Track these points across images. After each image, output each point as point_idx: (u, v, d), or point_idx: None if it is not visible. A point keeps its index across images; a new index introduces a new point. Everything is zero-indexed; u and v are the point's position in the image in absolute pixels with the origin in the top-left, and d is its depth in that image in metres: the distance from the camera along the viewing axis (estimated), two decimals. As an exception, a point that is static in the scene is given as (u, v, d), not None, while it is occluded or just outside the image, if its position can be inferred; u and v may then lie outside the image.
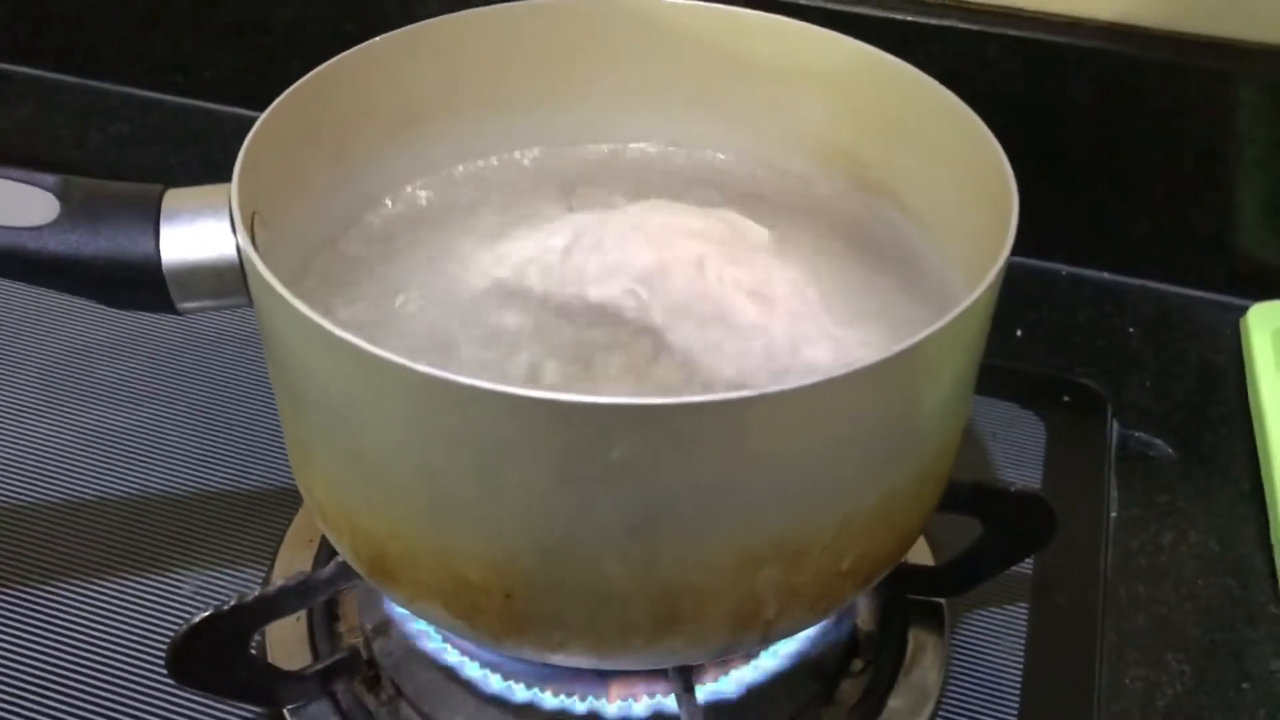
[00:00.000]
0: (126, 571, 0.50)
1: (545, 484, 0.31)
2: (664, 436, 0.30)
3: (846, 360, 0.37)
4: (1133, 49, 0.61)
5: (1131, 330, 0.64)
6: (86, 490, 0.53)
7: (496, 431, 0.30)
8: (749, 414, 0.30)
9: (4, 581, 0.49)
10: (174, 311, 0.37)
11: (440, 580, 0.34)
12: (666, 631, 0.34)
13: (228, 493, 0.53)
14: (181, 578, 0.50)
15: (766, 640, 0.36)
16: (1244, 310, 0.63)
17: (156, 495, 0.53)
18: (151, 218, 0.36)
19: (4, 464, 0.54)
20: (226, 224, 0.36)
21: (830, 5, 0.62)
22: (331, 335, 0.30)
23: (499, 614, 0.34)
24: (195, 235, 0.36)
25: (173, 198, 0.37)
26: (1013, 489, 0.44)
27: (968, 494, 0.43)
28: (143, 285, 0.35)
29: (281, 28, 0.74)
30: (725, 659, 0.42)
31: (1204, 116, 0.61)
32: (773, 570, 0.33)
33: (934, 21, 0.62)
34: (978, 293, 0.33)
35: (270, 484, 0.53)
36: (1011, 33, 0.62)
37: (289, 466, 0.53)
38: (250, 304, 0.37)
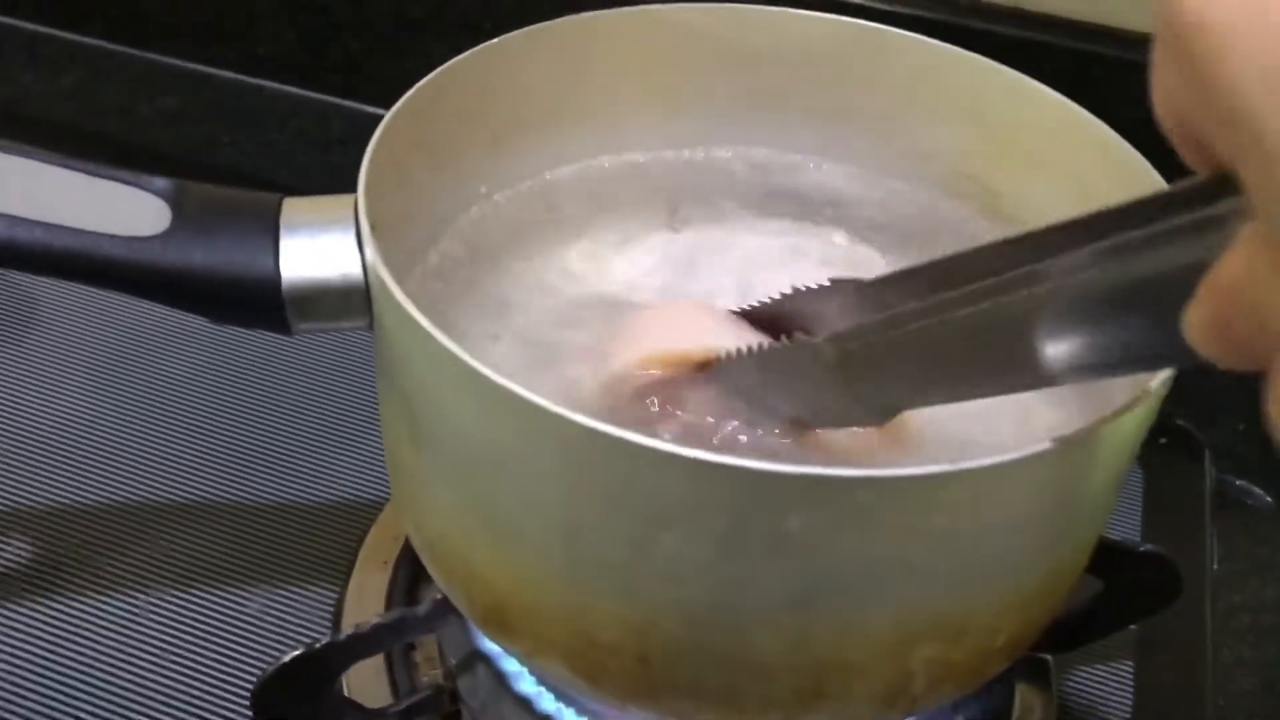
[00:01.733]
0: (191, 585, 0.47)
1: (705, 551, 0.28)
2: (845, 509, 0.27)
3: (1031, 422, 0.34)
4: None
5: (1222, 370, 0.62)
6: (153, 500, 0.50)
7: (658, 493, 0.28)
8: (936, 491, 0.27)
9: (73, 589, 0.47)
10: (287, 332, 0.34)
11: (566, 638, 0.32)
12: (809, 706, 0.32)
13: (298, 506, 0.50)
14: (248, 594, 0.47)
15: (910, 714, 0.34)
16: (1340, 351, 0.61)
17: (223, 506, 0.50)
18: (270, 230, 0.33)
19: (77, 468, 0.51)
20: (350, 238, 0.33)
21: (919, 13, 0.60)
22: (481, 377, 0.28)
23: (630, 676, 0.32)
24: (317, 250, 0.33)
25: (292, 207, 0.34)
26: (1141, 549, 0.42)
27: (1094, 552, 0.41)
28: (259, 304, 0.33)
29: (340, 6, 0.71)
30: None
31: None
32: (929, 648, 0.31)
33: (1029, 35, 0.60)
34: (1169, 371, 0.30)
35: (343, 498, 0.51)
36: (1112, 52, 0.59)
37: (361, 481, 0.52)
38: (369, 328, 0.34)
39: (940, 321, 0.26)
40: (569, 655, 0.32)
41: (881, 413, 0.30)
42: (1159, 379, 0.30)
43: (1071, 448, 0.28)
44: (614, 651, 0.31)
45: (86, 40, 0.77)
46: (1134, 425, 0.30)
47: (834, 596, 0.29)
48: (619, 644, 0.31)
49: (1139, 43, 0.57)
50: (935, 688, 0.33)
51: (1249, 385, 0.63)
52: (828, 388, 0.29)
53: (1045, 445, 0.27)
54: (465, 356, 0.28)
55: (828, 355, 0.29)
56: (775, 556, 0.28)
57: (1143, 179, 0.37)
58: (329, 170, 0.69)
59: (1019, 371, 0.25)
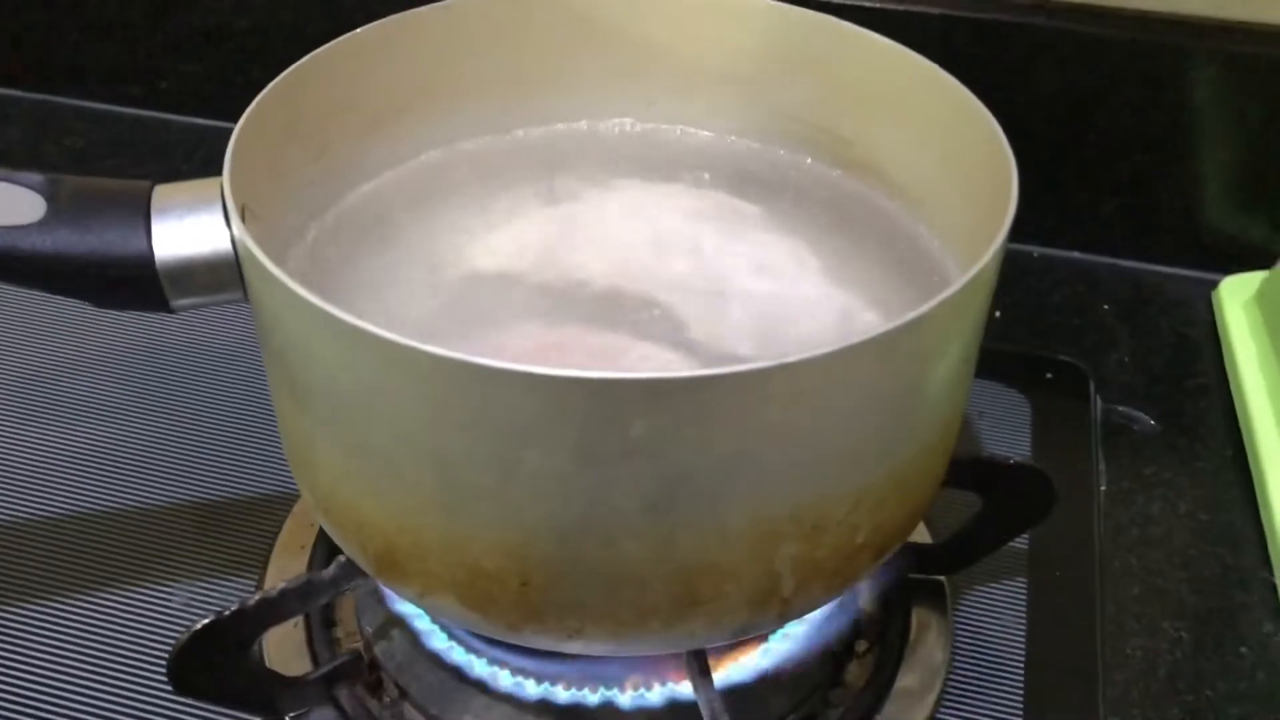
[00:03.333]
0: (114, 585, 0.49)
1: (563, 465, 0.30)
2: (683, 411, 0.29)
3: (853, 324, 0.37)
4: (1096, 29, 0.62)
5: (1106, 308, 0.65)
6: (69, 504, 0.52)
7: (515, 412, 0.30)
8: (766, 385, 0.30)
9: (-14, 601, 0.48)
10: (167, 309, 0.36)
11: (453, 571, 0.34)
12: (685, 613, 0.34)
13: (214, 502, 0.52)
14: (171, 589, 0.48)
15: (783, 618, 0.36)
16: (1215, 284, 0.64)
17: (140, 507, 0.52)
18: (142, 213, 0.35)
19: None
20: (219, 218, 0.35)
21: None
22: (341, 322, 0.30)
23: (515, 602, 0.34)
24: (188, 230, 0.35)
25: (162, 193, 0.36)
26: (1011, 462, 0.44)
27: (967, 469, 0.43)
28: (136, 283, 0.35)
29: (239, 35, 0.73)
30: (735, 645, 0.42)
31: (1166, 93, 0.62)
32: (790, 546, 0.33)
33: (900, 7, 0.63)
34: (985, 259, 0.33)
35: (258, 491, 0.52)
36: (977, 15, 0.62)
37: (276, 474, 0.53)
38: (245, 298, 0.36)
39: None
40: (457, 589, 0.34)
41: None
42: (982, 261, 0.32)
43: (892, 336, 0.30)
44: (497, 578, 0.33)
45: (-10, 88, 0.79)
46: (956, 313, 0.32)
47: (689, 498, 0.31)
48: (500, 570, 0.33)
49: (1001, 4, 0.61)
50: (804, 589, 0.35)
51: (1132, 320, 0.67)
52: None
53: (866, 335, 0.30)
54: (319, 302, 0.30)
55: None
56: (627, 462, 0.30)
57: (969, 109, 0.40)
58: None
59: None
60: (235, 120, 0.76)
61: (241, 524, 0.51)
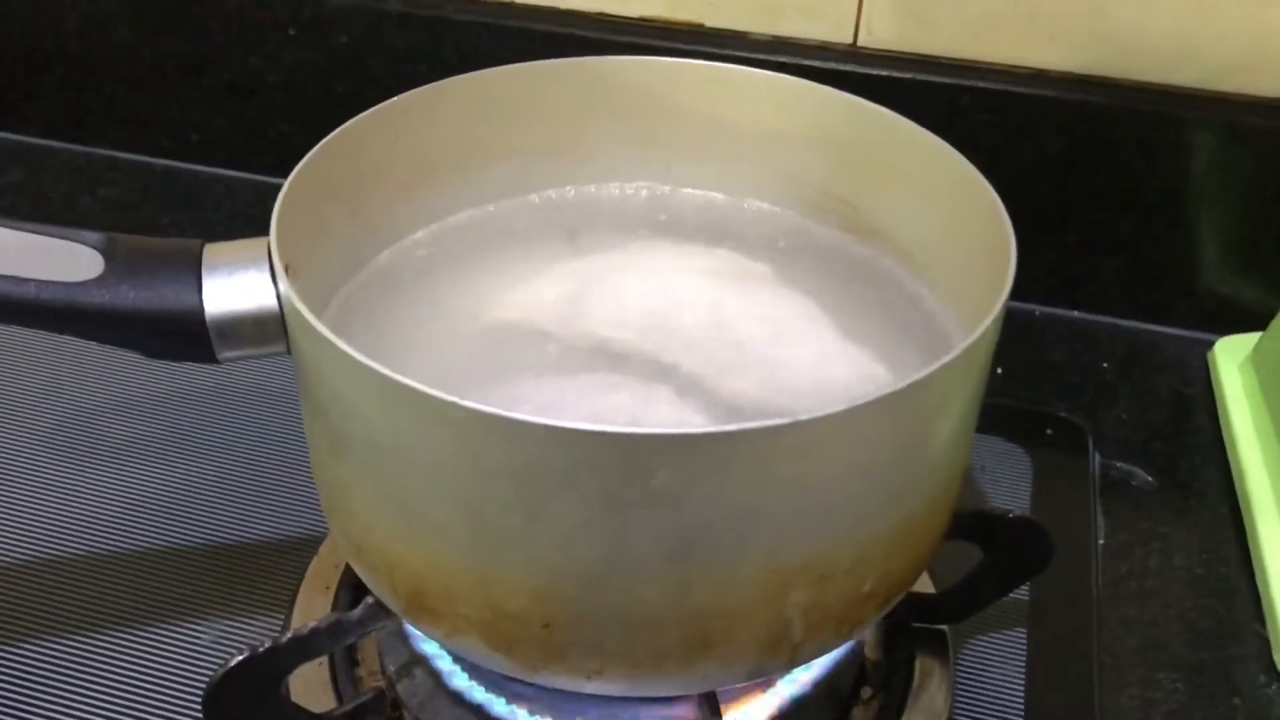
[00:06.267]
0: (145, 623, 0.50)
1: (587, 513, 0.32)
2: (701, 464, 0.31)
3: (861, 379, 0.39)
4: (1096, 98, 0.64)
5: (1105, 365, 0.67)
6: (101, 544, 0.54)
7: (543, 463, 0.32)
8: (780, 440, 0.32)
9: (19, 635, 0.50)
10: (214, 361, 0.38)
11: (480, 613, 0.36)
12: (699, 656, 0.36)
13: (241, 544, 0.54)
14: (200, 627, 0.50)
15: (793, 663, 0.38)
16: (1210, 344, 0.66)
17: (170, 548, 0.54)
18: (194, 271, 0.37)
19: (14, 519, 0.54)
20: (265, 275, 0.37)
21: (805, 62, 0.65)
22: (383, 377, 0.32)
23: (537, 643, 0.36)
24: (236, 286, 0.37)
25: (212, 251, 0.38)
26: (1011, 515, 0.46)
27: (969, 521, 0.45)
28: (186, 336, 0.37)
29: (269, 91, 0.76)
30: (745, 689, 0.43)
31: (1164, 160, 0.64)
32: (800, 593, 0.35)
33: (908, 76, 0.65)
34: (986, 323, 0.35)
35: (284, 534, 0.54)
36: (981, 84, 0.65)
37: (302, 517, 0.55)
38: (287, 351, 0.38)
39: None
40: (483, 629, 0.36)
41: None
42: (983, 325, 0.34)
43: (899, 395, 0.32)
44: (521, 620, 0.35)
45: (27, 140, 0.81)
46: (958, 375, 0.34)
47: (705, 546, 0.33)
48: (524, 612, 0.35)
49: (1004, 74, 0.64)
50: (813, 634, 0.37)
51: (1130, 378, 0.69)
52: None
53: (874, 395, 0.32)
54: (360, 356, 0.32)
55: None
56: (648, 512, 0.32)
57: (970, 180, 0.42)
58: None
59: None
60: (263, 173, 0.79)
61: (268, 565, 0.53)
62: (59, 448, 0.58)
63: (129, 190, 0.78)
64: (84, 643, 0.50)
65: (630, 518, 0.32)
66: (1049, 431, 0.61)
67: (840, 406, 0.31)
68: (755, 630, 0.35)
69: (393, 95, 0.45)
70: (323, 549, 0.52)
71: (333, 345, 0.33)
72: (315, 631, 0.41)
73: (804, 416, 0.31)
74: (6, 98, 0.81)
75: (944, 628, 0.50)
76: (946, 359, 0.33)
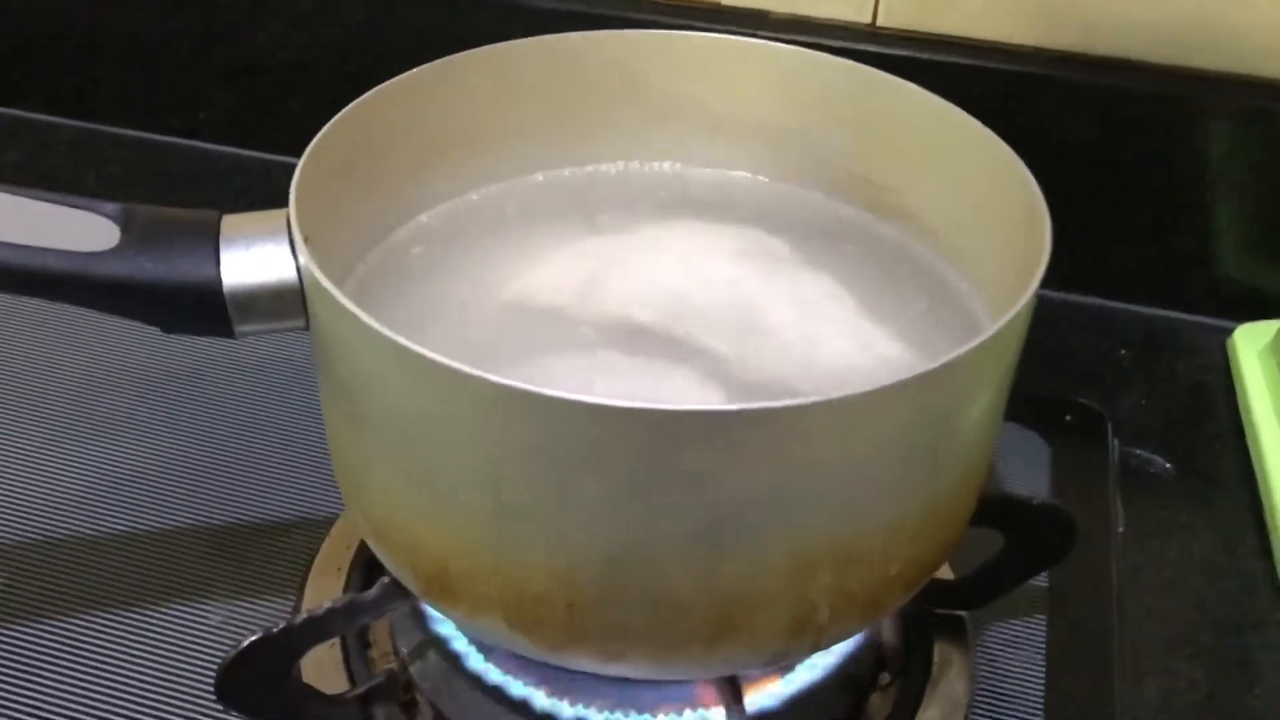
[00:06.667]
0: (153, 603, 0.50)
1: (616, 493, 0.32)
2: (731, 443, 0.31)
3: (887, 360, 0.38)
4: (1120, 81, 0.63)
5: (1123, 353, 0.66)
6: (108, 522, 0.53)
7: (572, 441, 0.31)
8: (810, 420, 0.31)
9: (29, 614, 0.49)
10: (231, 335, 0.37)
11: (502, 593, 0.35)
12: (724, 639, 0.35)
13: (252, 523, 0.53)
14: (209, 608, 0.50)
15: (817, 646, 0.37)
16: (1229, 331, 0.65)
17: (180, 527, 0.53)
18: (211, 242, 0.36)
19: (26, 496, 0.54)
20: (284, 247, 0.37)
21: (824, 41, 0.65)
22: (408, 350, 0.31)
23: (560, 625, 0.35)
24: (254, 258, 0.36)
25: (230, 223, 0.37)
26: (1035, 501, 0.45)
27: (991, 507, 0.45)
28: (203, 309, 0.36)
29: (278, 69, 0.75)
30: (765, 673, 0.43)
31: (1186, 145, 0.64)
32: (826, 576, 0.34)
33: (927, 56, 0.64)
34: (1019, 305, 0.34)
35: (294, 514, 0.54)
36: (1003, 67, 0.64)
37: (314, 496, 0.55)
38: (305, 327, 0.37)
39: None
40: (505, 609, 0.35)
41: None
42: (1018, 305, 0.34)
43: (930, 376, 0.31)
44: (544, 600, 0.35)
45: (31, 115, 0.80)
46: (989, 357, 0.34)
47: (733, 527, 0.33)
48: (549, 593, 0.34)
49: (1025, 55, 0.63)
50: (838, 618, 0.36)
51: (1148, 366, 0.68)
52: None
53: (905, 375, 0.31)
54: (385, 330, 0.31)
55: None
56: (676, 492, 0.31)
57: (1003, 160, 0.41)
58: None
59: None
60: (272, 152, 0.78)
61: (278, 545, 0.52)
62: (65, 421, 0.57)
63: (135, 168, 0.77)
64: (92, 622, 0.49)
65: (658, 497, 0.32)
66: (1068, 418, 0.61)
67: (871, 386, 0.31)
68: (781, 613, 0.35)
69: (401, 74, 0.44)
70: (335, 529, 0.51)
71: (356, 318, 0.32)
72: (330, 612, 0.40)
73: (835, 395, 0.30)
74: (9, 71, 0.80)
75: (963, 614, 0.49)
76: (981, 339, 0.32)
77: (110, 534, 0.53)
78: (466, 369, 0.31)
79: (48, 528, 0.53)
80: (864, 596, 0.36)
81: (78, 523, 0.53)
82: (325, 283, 0.34)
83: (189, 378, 0.60)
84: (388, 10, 0.70)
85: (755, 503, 0.32)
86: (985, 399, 0.35)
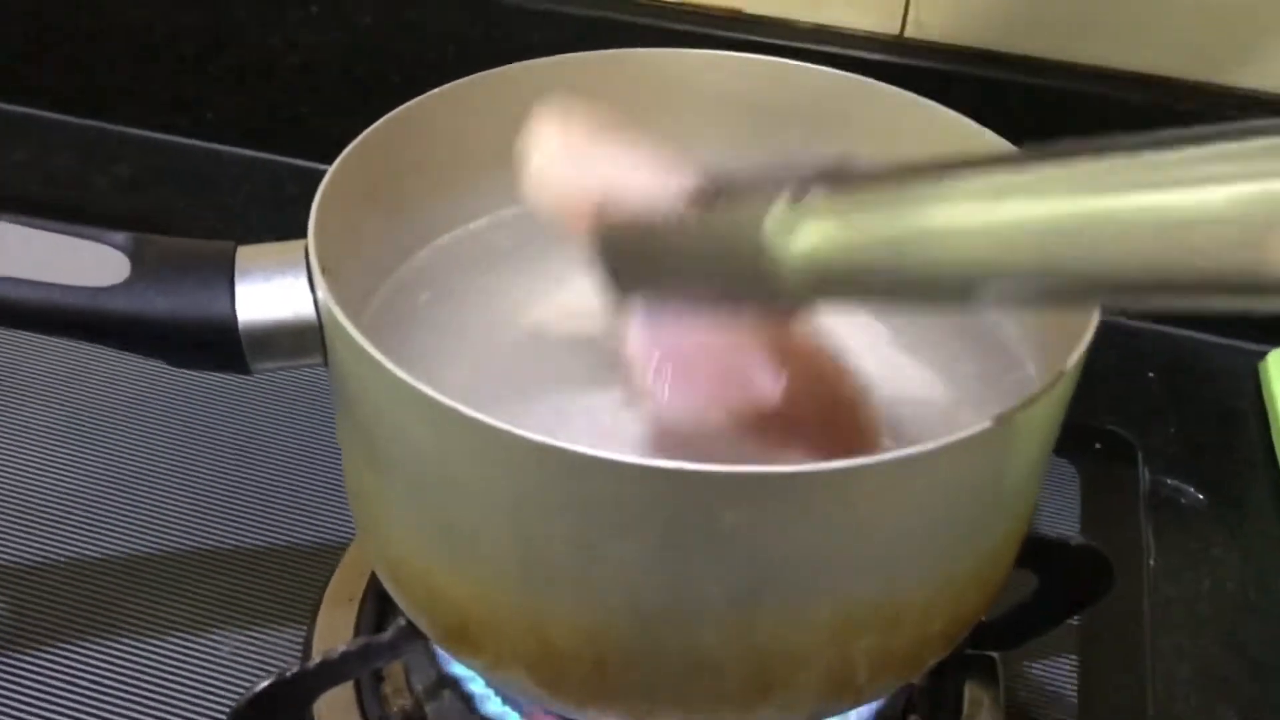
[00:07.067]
0: (162, 631, 0.48)
1: (650, 552, 0.30)
2: (776, 504, 0.29)
3: (920, 387, 0.37)
4: (1155, 97, 0.62)
5: (1151, 376, 0.65)
6: (121, 547, 0.51)
7: (605, 500, 0.29)
8: (859, 481, 0.29)
9: (37, 641, 0.48)
10: (247, 372, 0.36)
11: (526, 647, 0.34)
12: (758, 700, 0.34)
13: (261, 548, 0.52)
14: (219, 637, 0.48)
15: (855, 704, 0.36)
16: (1260, 355, 0.64)
17: (187, 551, 0.51)
18: (226, 276, 0.35)
19: (32, 520, 0.52)
20: (302, 280, 0.35)
21: (849, 52, 0.63)
22: (430, 400, 0.30)
23: (587, 682, 0.34)
24: (271, 293, 0.35)
25: (246, 254, 0.36)
26: (1073, 542, 0.44)
27: (1029, 547, 0.43)
28: (218, 346, 0.34)
29: (289, 72, 0.73)
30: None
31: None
32: (868, 637, 0.33)
33: (958, 68, 0.63)
34: (1075, 356, 0.33)
35: (307, 540, 0.52)
36: (1036, 81, 0.62)
37: (327, 521, 0.53)
38: (324, 363, 0.36)
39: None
40: (529, 665, 0.34)
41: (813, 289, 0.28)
42: (1070, 362, 0.32)
43: (986, 436, 0.30)
44: (571, 657, 0.33)
45: (37, 113, 0.79)
46: (1046, 412, 0.32)
47: (774, 589, 0.31)
48: (576, 650, 0.33)
49: (1057, 69, 0.61)
50: (877, 677, 0.35)
51: (1178, 390, 0.66)
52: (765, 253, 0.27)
53: (960, 434, 0.29)
54: (413, 381, 0.30)
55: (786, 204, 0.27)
56: (715, 554, 0.30)
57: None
58: (284, 229, 0.71)
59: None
60: (281, 155, 0.76)
61: (289, 572, 0.51)
62: (72, 443, 0.56)
63: (142, 169, 0.76)
64: (98, 651, 0.48)
65: (695, 558, 0.30)
66: (1098, 446, 0.59)
67: (923, 446, 0.29)
68: (819, 674, 0.33)
69: (416, 79, 0.42)
70: (347, 556, 0.50)
71: (378, 363, 0.31)
72: (345, 655, 0.39)
73: (886, 457, 0.29)
74: (16, 68, 0.78)
75: (994, 654, 0.48)
76: (1038, 393, 0.31)
77: (118, 559, 0.51)
78: (493, 422, 0.29)
79: (55, 553, 0.51)
80: (904, 654, 0.35)
81: (84, 549, 0.51)
82: (346, 323, 0.32)
83: (199, 397, 0.58)
84: (398, 13, 0.69)
85: (798, 565, 0.31)
86: (1038, 449, 0.34)
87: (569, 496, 0.30)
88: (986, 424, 0.30)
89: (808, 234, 0.27)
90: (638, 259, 0.32)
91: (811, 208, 0.27)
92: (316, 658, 0.38)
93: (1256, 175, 0.22)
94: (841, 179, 0.28)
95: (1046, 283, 0.25)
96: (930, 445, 0.29)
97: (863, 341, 0.42)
